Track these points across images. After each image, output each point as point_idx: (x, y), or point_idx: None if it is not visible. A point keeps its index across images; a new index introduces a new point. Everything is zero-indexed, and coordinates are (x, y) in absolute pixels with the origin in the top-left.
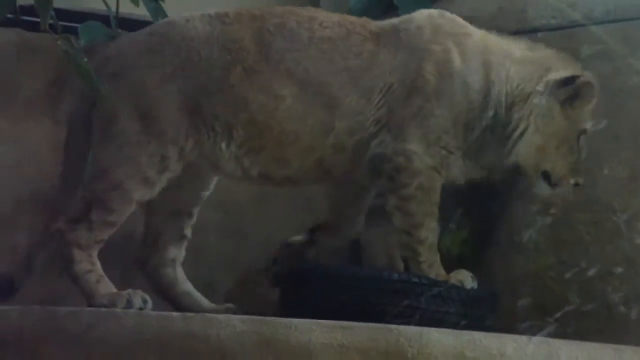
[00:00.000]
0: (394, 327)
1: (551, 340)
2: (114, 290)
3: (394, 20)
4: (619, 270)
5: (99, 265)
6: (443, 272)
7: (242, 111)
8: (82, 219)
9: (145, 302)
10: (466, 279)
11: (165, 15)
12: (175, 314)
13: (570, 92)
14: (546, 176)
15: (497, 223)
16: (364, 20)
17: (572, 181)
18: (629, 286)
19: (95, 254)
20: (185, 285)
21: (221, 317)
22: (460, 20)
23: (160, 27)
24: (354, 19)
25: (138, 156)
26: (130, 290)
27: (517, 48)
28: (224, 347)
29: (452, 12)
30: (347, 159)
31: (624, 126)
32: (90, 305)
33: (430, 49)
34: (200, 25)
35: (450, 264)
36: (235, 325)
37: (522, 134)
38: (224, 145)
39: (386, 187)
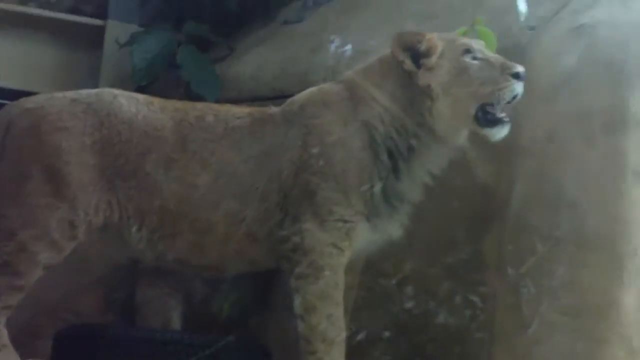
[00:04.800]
0: None
1: None
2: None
3: (286, 103)
4: (387, 334)
5: (5, 332)
6: None
7: (155, 198)
8: None
9: None
10: None
11: None
12: None
13: (408, 55)
14: (486, 111)
15: (272, 286)
16: (268, 107)
17: (510, 75)
18: (396, 350)
19: (3, 320)
20: None
21: None
22: (337, 90)
23: (87, 97)
24: (262, 108)
25: (47, 219)
26: None
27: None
28: None
29: (235, 72)
30: (264, 248)
31: None
32: None
33: (311, 123)
34: (126, 105)
35: (223, 326)
36: None
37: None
38: (134, 229)
39: (287, 270)
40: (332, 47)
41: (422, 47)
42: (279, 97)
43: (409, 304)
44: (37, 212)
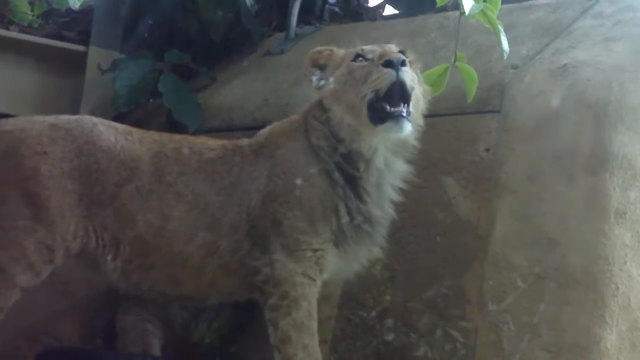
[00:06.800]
0: None
1: None
2: None
3: (255, 135)
4: None
5: None
6: None
7: (129, 228)
8: None
9: None
10: None
11: None
12: None
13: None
14: (375, 108)
15: (253, 314)
16: (240, 139)
17: (382, 65)
18: None
19: None
20: None
21: None
22: (297, 119)
23: (67, 122)
24: (234, 140)
25: (24, 241)
26: None
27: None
28: None
29: (217, 101)
30: (237, 280)
31: None
32: None
33: (275, 153)
34: (106, 133)
35: (204, 353)
36: None
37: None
38: (109, 257)
39: (261, 302)
40: (314, 79)
41: (322, 61)
42: (261, 127)
43: (389, 337)
44: (15, 234)
